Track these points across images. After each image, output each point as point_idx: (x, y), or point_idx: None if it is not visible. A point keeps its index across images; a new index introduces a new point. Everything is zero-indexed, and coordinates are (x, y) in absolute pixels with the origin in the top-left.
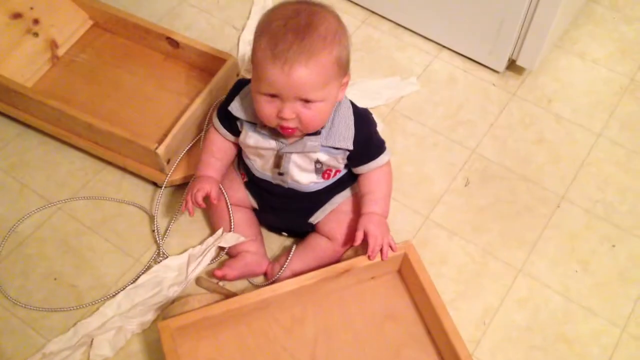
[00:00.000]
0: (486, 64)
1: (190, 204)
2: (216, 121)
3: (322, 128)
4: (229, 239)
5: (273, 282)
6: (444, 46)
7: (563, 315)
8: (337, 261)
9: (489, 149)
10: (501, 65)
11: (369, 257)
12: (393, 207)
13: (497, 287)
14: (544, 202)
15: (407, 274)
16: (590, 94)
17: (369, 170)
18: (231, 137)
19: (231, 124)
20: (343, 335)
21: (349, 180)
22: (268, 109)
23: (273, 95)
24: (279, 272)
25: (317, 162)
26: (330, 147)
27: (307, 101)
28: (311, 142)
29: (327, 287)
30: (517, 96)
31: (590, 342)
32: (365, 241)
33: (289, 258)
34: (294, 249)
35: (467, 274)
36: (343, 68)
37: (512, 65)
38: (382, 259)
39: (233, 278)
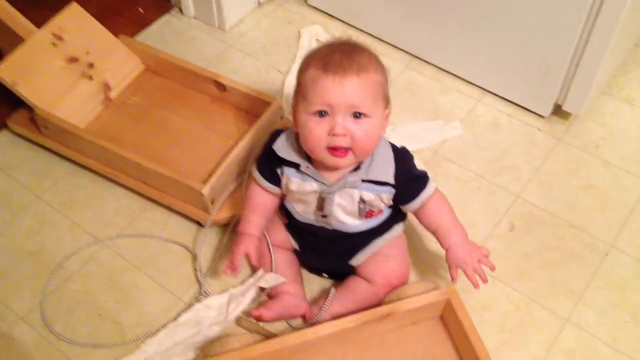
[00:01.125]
0: (531, 109)
1: (227, 269)
2: (256, 174)
3: (362, 164)
4: (269, 280)
5: (312, 325)
6: (487, 90)
7: None
8: (378, 305)
9: (534, 194)
10: (547, 110)
11: (476, 286)
12: (435, 250)
13: (543, 336)
14: (592, 249)
15: (450, 320)
16: (639, 140)
17: (422, 204)
18: (273, 188)
19: (272, 173)
20: None
21: (392, 222)
22: (318, 130)
23: (322, 114)
24: (318, 314)
25: (361, 201)
26: (371, 181)
27: (357, 116)
28: (352, 177)
29: (368, 331)
30: (563, 141)
31: None
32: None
33: (328, 301)
34: (333, 291)
35: (511, 322)
36: (386, 97)
37: (558, 110)
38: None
39: (269, 319)
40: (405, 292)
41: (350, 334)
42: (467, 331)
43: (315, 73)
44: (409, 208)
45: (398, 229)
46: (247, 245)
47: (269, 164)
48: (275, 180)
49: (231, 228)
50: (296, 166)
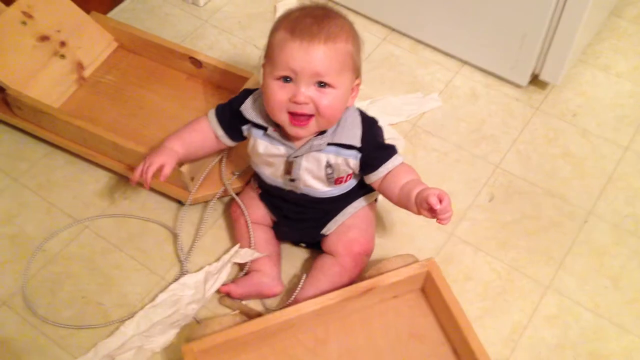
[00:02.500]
0: (509, 79)
1: (137, 176)
2: (213, 118)
3: (328, 129)
4: (244, 255)
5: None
6: (465, 62)
7: (594, 333)
8: (350, 279)
9: (513, 164)
10: (524, 79)
11: (440, 219)
12: (416, 224)
13: (525, 304)
14: (571, 217)
15: (431, 292)
16: (616, 107)
17: (388, 171)
18: (225, 139)
19: (232, 127)
20: (367, 355)
21: (360, 190)
22: (280, 94)
23: (287, 79)
24: (290, 299)
25: (328, 165)
26: (337, 144)
27: (321, 85)
28: (317, 141)
29: (349, 307)
30: (540, 110)
31: None
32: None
33: (299, 287)
34: (304, 277)
35: (493, 290)
36: (356, 68)
37: (535, 80)
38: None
39: (238, 296)
40: (386, 266)
41: (332, 310)
42: (448, 302)
43: (283, 36)
44: (375, 176)
45: (366, 199)
46: (167, 159)
47: (230, 118)
48: (234, 135)
49: (212, 205)
50: (264, 129)
